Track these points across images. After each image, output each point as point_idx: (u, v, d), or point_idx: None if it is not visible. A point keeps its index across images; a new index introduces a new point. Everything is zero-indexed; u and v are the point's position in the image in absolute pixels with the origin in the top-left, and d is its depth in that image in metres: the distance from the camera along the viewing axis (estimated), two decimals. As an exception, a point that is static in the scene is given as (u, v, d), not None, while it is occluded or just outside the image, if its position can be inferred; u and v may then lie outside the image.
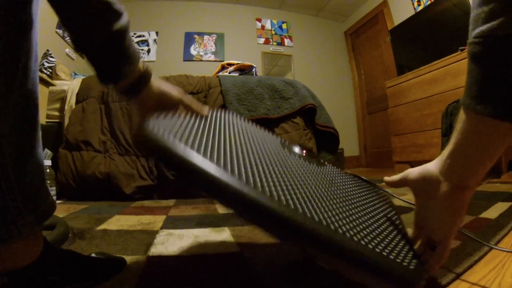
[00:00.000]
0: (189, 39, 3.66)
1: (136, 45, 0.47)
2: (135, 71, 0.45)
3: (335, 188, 0.41)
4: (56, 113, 1.66)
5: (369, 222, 0.34)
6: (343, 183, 0.47)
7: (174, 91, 0.50)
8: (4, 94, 0.34)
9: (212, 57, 3.69)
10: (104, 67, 0.43)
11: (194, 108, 0.50)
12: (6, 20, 0.32)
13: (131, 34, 0.48)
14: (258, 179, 0.27)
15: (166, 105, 0.48)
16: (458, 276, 0.44)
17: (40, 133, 0.42)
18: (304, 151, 0.56)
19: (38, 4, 0.37)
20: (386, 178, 0.45)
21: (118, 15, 0.42)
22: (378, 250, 0.27)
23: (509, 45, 0.25)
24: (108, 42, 0.41)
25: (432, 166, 0.37)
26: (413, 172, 0.39)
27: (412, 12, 2.93)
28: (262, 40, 3.89)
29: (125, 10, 0.44)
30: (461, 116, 0.31)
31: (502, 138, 0.28)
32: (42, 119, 1.62)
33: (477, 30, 0.27)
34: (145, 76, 0.47)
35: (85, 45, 0.42)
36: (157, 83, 0.48)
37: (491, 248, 0.53)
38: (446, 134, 1.96)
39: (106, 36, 0.40)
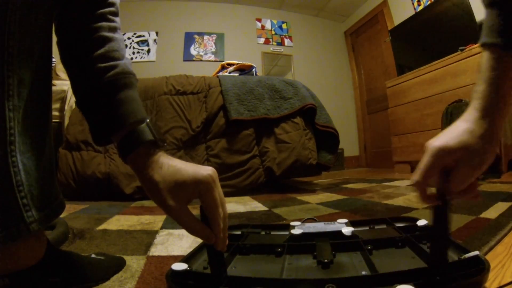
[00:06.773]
0: (189, 39, 3.66)
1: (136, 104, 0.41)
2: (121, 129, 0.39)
3: None
4: (56, 113, 1.66)
5: None
6: None
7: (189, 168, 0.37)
8: (21, 91, 0.34)
9: (212, 57, 3.68)
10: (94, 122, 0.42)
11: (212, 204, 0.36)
12: (40, 24, 0.34)
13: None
14: None
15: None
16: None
17: (51, 131, 0.42)
18: None
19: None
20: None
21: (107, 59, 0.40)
22: None
23: None
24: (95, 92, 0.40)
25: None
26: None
27: (412, 12, 2.93)
28: (262, 40, 3.89)
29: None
30: (483, 61, 0.35)
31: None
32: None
33: None
34: (134, 134, 0.38)
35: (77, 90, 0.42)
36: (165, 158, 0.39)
37: (490, 249, 0.53)
38: (446, 134, 1.96)
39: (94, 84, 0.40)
